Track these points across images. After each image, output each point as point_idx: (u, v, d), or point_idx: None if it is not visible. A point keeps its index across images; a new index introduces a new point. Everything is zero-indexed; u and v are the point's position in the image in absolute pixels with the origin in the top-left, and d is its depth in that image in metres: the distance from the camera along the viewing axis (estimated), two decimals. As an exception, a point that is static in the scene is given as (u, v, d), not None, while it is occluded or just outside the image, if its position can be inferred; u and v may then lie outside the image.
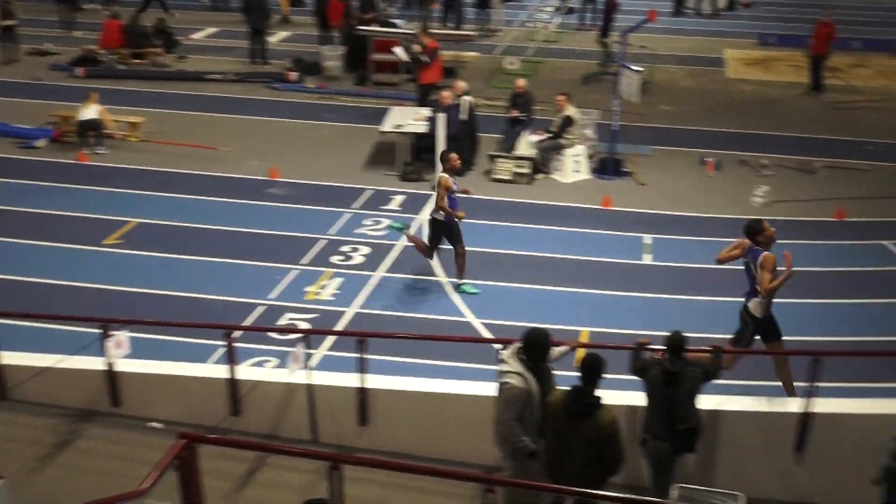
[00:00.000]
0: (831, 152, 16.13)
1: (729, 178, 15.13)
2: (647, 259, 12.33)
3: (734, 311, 10.22)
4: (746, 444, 7.75)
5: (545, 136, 15.13)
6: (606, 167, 15.17)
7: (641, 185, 14.76)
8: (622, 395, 7.52)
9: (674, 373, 6.94)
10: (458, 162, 11.51)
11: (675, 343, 7.01)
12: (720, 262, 9.04)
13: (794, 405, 7.67)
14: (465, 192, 11.62)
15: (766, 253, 8.44)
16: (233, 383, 8.21)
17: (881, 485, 7.33)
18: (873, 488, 7.38)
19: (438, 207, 10.97)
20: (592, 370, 6.32)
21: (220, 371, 8.29)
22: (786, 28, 24.27)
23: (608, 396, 6.45)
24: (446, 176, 11.06)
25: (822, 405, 7.60)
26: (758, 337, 8.73)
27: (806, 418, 7.56)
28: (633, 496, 6.90)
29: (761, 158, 15.68)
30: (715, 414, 7.60)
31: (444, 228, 11.17)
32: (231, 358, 8.15)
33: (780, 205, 13.95)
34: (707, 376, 7.09)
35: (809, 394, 7.50)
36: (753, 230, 8.53)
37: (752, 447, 7.76)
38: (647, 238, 12.86)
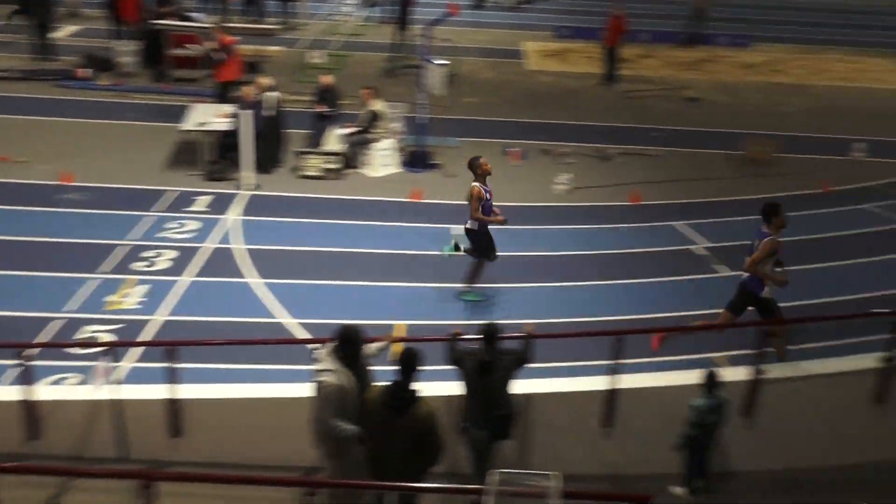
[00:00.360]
0: (625, 139, 17.08)
1: (533, 167, 15.71)
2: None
3: (542, 295, 10.70)
4: (559, 425, 8.11)
5: (353, 130, 15.16)
6: (415, 160, 15.38)
7: (451, 177, 15.06)
8: (441, 387, 7.69)
9: (488, 362, 7.16)
10: (489, 166, 11.02)
11: (490, 332, 7.24)
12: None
13: (600, 383, 8.09)
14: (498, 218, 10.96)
15: (771, 237, 8.90)
16: (29, 405, 7.74)
17: (682, 450, 7.90)
18: (675, 454, 7.95)
19: (473, 218, 10.72)
20: (409, 364, 6.41)
21: (13, 393, 7.79)
22: (580, 21, 25.43)
23: (427, 388, 6.57)
24: (477, 185, 10.76)
25: (626, 381, 8.08)
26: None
27: (612, 395, 8.00)
28: (453, 485, 7.06)
29: (562, 147, 16.38)
30: (529, 398, 7.91)
31: (483, 237, 10.91)
32: (26, 378, 7.67)
33: (580, 191, 14.64)
34: (520, 363, 7.36)
35: (613, 371, 7.94)
36: (773, 212, 9.02)
37: (565, 427, 8.14)
38: (457, 229, 13.12)
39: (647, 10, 26.74)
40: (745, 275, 9.20)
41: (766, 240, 9.01)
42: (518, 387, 7.49)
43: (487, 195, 10.86)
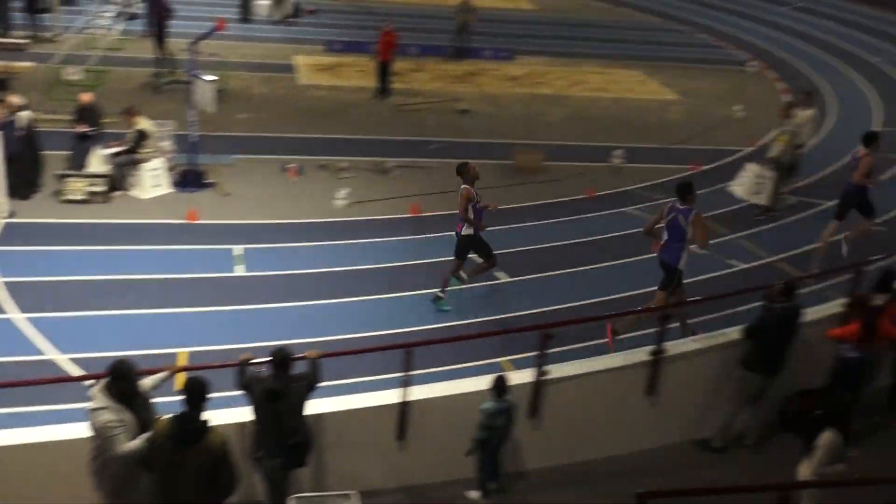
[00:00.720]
0: (402, 152, 17.37)
1: (311, 182, 15.63)
2: (240, 270, 12.32)
3: (329, 312, 10.67)
4: (354, 442, 8.10)
5: (119, 150, 14.44)
6: (188, 179, 14.87)
7: (226, 196, 14.70)
8: (232, 414, 7.47)
9: (276, 390, 7.02)
10: (477, 170, 11.40)
11: (280, 358, 7.10)
12: (646, 234, 10.69)
13: (393, 396, 8.16)
14: (490, 206, 11.56)
15: (698, 211, 10.16)
16: None
17: (474, 454, 8.13)
18: (468, 459, 8.15)
19: (463, 220, 11.03)
20: (195, 393, 6.18)
21: None
22: (351, 35, 25.61)
23: (217, 417, 6.36)
24: (468, 187, 11.04)
25: (419, 392, 8.20)
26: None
27: (404, 407, 8.10)
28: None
29: (340, 162, 16.41)
30: (322, 417, 7.84)
31: (473, 241, 11.28)
32: None
33: (360, 206, 14.74)
34: (311, 387, 7.28)
35: (405, 383, 8.04)
36: (688, 190, 10.25)
37: (360, 444, 8.13)
38: (238, 249, 12.86)
39: (416, 24, 27.36)
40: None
41: (692, 216, 10.13)
42: (311, 408, 7.41)
43: (476, 198, 11.22)
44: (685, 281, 10.63)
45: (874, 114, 21.92)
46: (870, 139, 13.27)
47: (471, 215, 11.23)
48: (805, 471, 7.66)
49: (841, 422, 7.86)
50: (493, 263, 11.84)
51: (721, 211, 15.39)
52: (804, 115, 15.39)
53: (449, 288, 11.72)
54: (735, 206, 15.47)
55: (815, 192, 16.27)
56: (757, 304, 9.95)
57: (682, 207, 10.29)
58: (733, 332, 9.59)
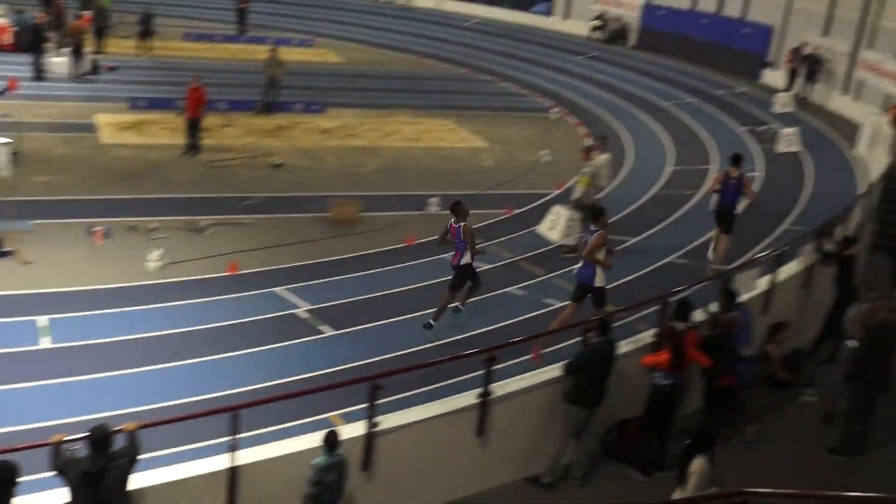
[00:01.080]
0: (216, 209, 17.04)
1: (120, 245, 15.06)
2: (46, 342, 11.68)
3: (151, 380, 10.32)
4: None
5: None
6: (-17, 249, 14.00)
7: (27, 264, 13.91)
8: (46, 499, 7.04)
9: (93, 473, 6.65)
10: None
11: (97, 436, 6.75)
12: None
13: (220, 463, 7.93)
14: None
15: (600, 232, 11.92)
16: None
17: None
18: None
19: (473, 253, 12.40)
20: (3, 479, 5.81)
21: None
22: (155, 91, 24.96)
23: (29, 503, 5.99)
24: (466, 223, 12.43)
25: (248, 455, 8.02)
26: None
27: (233, 473, 7.89)
28: None
29: (150, 222, 15.91)
30: (148, 492, 7.51)
31: (472, 272, 12.66)
32: None
33: (175, 267, 14.33)
34: (133, 462, 6.98)
35: (233, 448, 7.84)
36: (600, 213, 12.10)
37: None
38: (43, 320, 12.18)
39: (223, 79, 27.03)
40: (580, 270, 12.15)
41: (596, 234, 11.88)
42: (134, 483, 7.10)
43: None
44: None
45: (668, 155, 23.53)
46: (738, 159, 15.44)
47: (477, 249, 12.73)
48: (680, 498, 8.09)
49: (709, 448, 8.41)
50: (480, 284, 13.02)
51: (534, 253, 16.03)
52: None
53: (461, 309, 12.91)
54: (548, 248, 16.12)
55: (620, 230, 17.23)
56: (576, 339, 10.44)
57: (592, 228, 12.01)
58: (555, 369, 9.98)
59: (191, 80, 20.56)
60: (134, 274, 13.98)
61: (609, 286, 13.07)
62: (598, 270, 12.04)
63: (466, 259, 12.54)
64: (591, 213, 12.43)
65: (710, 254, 15.92)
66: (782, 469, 10.52)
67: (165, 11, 35.51)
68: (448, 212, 12.89)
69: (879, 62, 26.70)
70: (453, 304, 12.87)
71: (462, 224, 12.48)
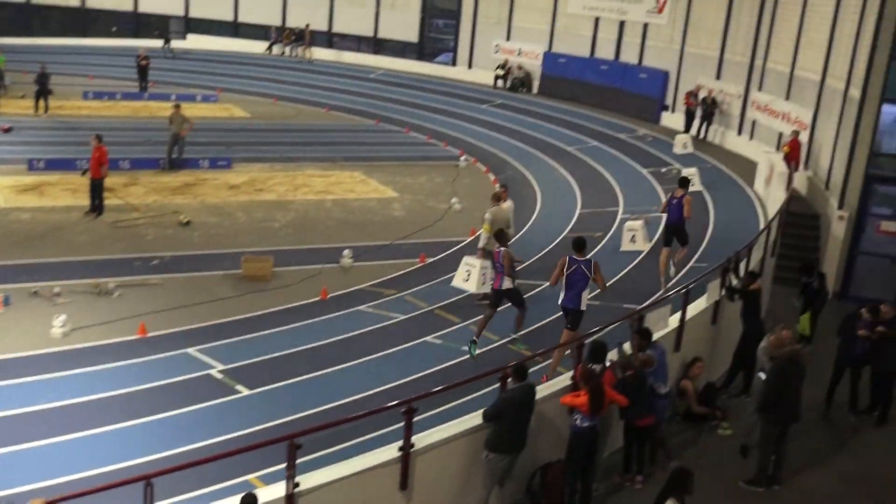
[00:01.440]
0: (123, 271, 16.67)
1: (22, 312, 14.56)
2: (-55, 418, 11.16)
3: (62, 451, 10.00)
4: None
5: None
6: None
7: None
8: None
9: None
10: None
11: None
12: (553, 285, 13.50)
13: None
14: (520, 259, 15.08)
15: (504, 251, 13.67)
16: None
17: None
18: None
19: (510, 277, 13.60)
20: None
21: None
22: (55, 152, 24.38)
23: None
24: (507, 249, 13.88)
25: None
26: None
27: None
28: None
29: (54, 287, 15.45)
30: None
31: (514, 296, 13.98)
32: None
33: (81, 331, 13.93)
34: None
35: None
36: (582, 244, 13.22)
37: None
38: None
39: (125, 137, 26.60)
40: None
41: (503, 252, 13.76)
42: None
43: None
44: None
45: (576, 199, 24.04)
46: (685, 182, 17.23)
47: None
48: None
49: (682, 492, 8.53)
50: (525, 309, 14.25)
51: (448, 301, 16.11)
52: (505, 206, 16.48)
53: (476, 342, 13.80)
54: (462, 295, 16.19)
55: (533, 275, 17.47)
56: (494, 386, 10.51)
57: (580, 259, 13.06)
58: (476, 417, 10.00)
59: (90, 140, 20.19)
60: (38, 341, 13.53)
61: (524, 331, 13.32)
62: (585, 294, 13.18)
63: (507, 284, 13.78)
64: (497, 236, 14.10)
65: (664, 269, 17.12)
66: (703, 503, 10.71)
67: (63, 70, 34.89)
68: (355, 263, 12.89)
69: (769, 102, 27.93)
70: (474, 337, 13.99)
71: (503, 249, 13.85)
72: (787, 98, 27.17)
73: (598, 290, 13.56)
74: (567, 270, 13.07)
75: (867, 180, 20.37)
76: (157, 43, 41.99)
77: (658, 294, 16.09)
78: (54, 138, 26.48)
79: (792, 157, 22.89)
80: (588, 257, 13.32)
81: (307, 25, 44.15)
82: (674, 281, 17.00)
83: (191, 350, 13.63)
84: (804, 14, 26.72)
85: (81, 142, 20.75)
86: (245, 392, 12.47)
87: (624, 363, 11.19)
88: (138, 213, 20.28)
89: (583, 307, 13.15)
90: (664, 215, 17.27)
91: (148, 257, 17.57)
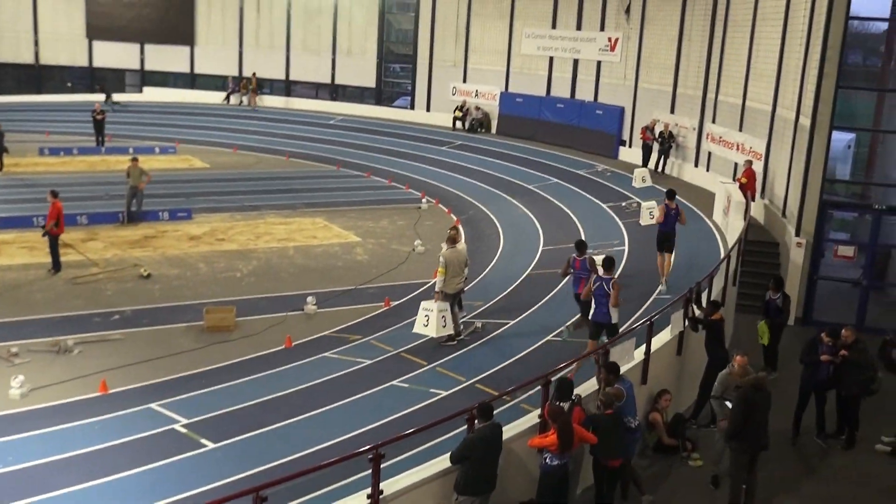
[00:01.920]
0: (83, 328, 16.43)
1: (-20, 374, 14.28)
2: None
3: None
4: None
5: None
6: None
7: None
8: None
9: None
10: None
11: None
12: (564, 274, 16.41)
13: None
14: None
15: (615, 279, 14.42)
16: None
17: None
18: None
19: (616, 307, 14.28)
20: None
21: None
22: (9, 210, 24.12)
23: None
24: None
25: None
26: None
27: None
28: None
29: (10, 347, 15.17)
30: None
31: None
32: None
33: (41, 391, 13.68)
34: None
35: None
36: (611, 263, 14.79)
37: None
38: None
39: (83, 192, 26.39)
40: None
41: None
42: None
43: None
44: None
45: (539, 236, 24.17)
46: (672, 193, 19.27)
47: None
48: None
49: None
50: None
51: (414, 344, 16.03)
52: (460, 247, 16.38)
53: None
54: (426, 338, 16.08)
55: (496, 314, 17.48)
56: (461, 428, 10.44)
57: (605, 277, 14.34)
58: (445, 460, 9.92)
59: (47, 196, 20.02)
60: (-4, 403, 13.27)
61: (490, 371, 13.27)
62: (615, 311, 14.30)
63: (614, 315, 14.44)
64: (605, 262, 14.82)
65: (664, 277, 19.03)
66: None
67: (18, 128, 34.64)
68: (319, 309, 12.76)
69: (723, 134, 28.41)
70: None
71: (585, 257, 15.68)
72: (741, 129, 27.65)
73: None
74: (594, 288, 14.49)
75: (822, 206, 20.69)
76: (100, 97, 41.83)
77: (657, 290, 18.56)
78: (10, 196, 26.18)
79: (748, 187, 23.24)
80: (612, 276, 14.56)
81: (253, 74, 44.37)
82: (637, 315, 17.08)
83: (154, 405, 13.41)
84: (752, 47, 27.31)
85: (38, 198, 20.50)
86: (210, 445, 12.28)
87: (605, 402, 11.07)
88: (98, 269, 20.05)
89: (614, 320, 14.46)
90: (659, 224, 19.23)
91: (108, 312, 17.34)
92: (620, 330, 14.56)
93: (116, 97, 43.33)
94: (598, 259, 15.82)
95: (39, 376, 14.13)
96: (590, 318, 14.69)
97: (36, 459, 11.69)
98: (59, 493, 10.92)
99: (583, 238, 17.32)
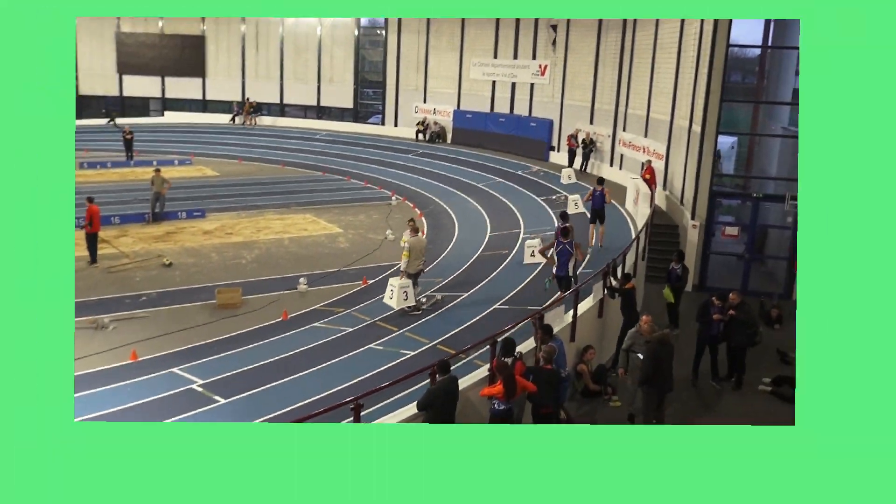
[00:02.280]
0: (116, 308, 15.99)
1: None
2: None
3: None
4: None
5: None
6: None
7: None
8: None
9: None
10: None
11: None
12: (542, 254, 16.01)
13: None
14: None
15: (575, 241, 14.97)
16: None
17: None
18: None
19: (583, 260, 15.44)
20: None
21: None
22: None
23: None
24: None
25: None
26: None
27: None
28: None
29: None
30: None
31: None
32: None
33: (83, 360, 13.25)
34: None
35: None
36: (566, 232, 14.97)
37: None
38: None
39: (116, 198, 25.76)
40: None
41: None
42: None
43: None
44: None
45: (486, 224, 24.00)
46: (602, 180, 20.32)
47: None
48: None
49: None
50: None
51: (387, 314, 15.80)
52: (417, 237, 16.17)
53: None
54: (395, 310, 15.88)
55: (455, 287, 17.31)
56: (426, 381, 10.26)
57: (566, 241, 14.85)
58: (412, 408, 9.74)
59: (88, 200, 19.50)
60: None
61: (449, 334, 13.04)
62: (571, 264, 14.83)
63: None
64: (563, 231, 15.02)
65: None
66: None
67: (60, 145, 33.60)
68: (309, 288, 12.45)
69: (632, 139, 28.43)
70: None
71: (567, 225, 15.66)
72: (646, 135, 27.69)
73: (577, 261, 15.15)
74: (556, 249, 14.93)
75: (712, 196, 20.80)
76: (128, 121, 40.83)
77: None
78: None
79: (651, 181, 23.26)
80: (570, 240, 14.99)
81: (247, 98, 43.67)
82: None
83: (175, 370, 13.08)
84: (653, 69, 27.33)
85: (79, 203, 19.91)
86: (222, 401, 11.98)
87: (545, 357, 10.91)
88: (128, 259, 19.54)
89: (571, 274, 14.92)
90: (589, 202, 20.07)
91: (137, 295, 16.90)
92: (556, 296, 14.47)
93: (137, 120, 42.45)
94: (536, 242, 15.69)
95: (82, 349, 13.69)
96: (554, 272, 15.17)
97: (80, 416, 11.32)
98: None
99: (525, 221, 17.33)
